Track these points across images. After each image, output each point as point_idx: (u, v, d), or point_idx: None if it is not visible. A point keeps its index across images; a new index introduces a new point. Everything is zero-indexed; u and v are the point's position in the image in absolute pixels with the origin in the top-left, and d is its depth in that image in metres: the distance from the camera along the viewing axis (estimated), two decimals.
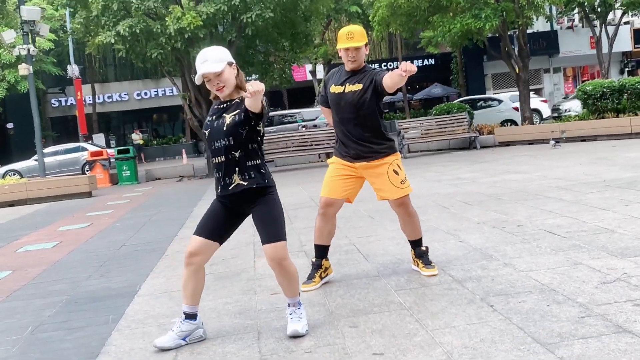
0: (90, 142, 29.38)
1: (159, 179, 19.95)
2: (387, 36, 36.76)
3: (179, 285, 4.90)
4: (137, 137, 32.89)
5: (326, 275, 4.57)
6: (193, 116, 18.32)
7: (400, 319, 3.62)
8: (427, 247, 4.66)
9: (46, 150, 24.82)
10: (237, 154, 3.44)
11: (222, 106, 3.52)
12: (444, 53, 36.39)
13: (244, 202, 3.51)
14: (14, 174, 25.40)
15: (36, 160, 25.69)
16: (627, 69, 37.22)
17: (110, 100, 37.46)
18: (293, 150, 17.56)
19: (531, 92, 22.14)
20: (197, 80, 3.49)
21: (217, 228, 3.54)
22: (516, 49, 19.95)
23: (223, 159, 3.45)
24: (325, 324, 3.66)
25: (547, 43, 35.11)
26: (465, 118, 17.63)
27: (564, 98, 32.12)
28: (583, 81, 36.67)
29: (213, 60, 3.39)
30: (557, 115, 25.41)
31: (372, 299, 4.07)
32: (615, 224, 5.50)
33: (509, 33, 20.13)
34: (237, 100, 3.48)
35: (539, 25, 32.88)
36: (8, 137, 34.65)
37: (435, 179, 10.77)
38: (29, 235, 8.96)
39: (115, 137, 37.30)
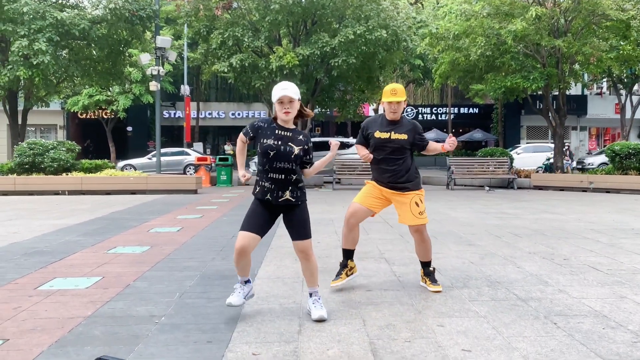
0: (191, 148, 30.25)
1: (248, 184, 20.33)
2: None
3: (289, 273, 5.18)
4: (228, 148, 33.57)
5: (351, 274, 4.67)
6: None
7: (478, 324, 3.69)
8: (434, 268, 4.67)
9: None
10: (294, 176, 3.72)
11: (286, 133, 3.70)
12: (487, 104, 36.02)
13: (285, 209, 3.78)
14: (130, 168, 26.40)
15: (149, 158, 26.80)
16: None
17: (210, 116, 38.52)
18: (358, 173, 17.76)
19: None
20: (274, 98, 3.65)
21: (260, 225, 3.82)
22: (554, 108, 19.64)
23: (282, 177, 3.70)
24: (416, 321, 3.75)
25: (577, 105, 34.38)
26: (507, 162, 17.43)
27: (588, 153, 31.31)
28: (605, 140, 35.68)
29: (292, 91, 3.66)
30: (581, 167, 24.78)
31: (452, 305, 4.15)
32: None
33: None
34: (295, 129, 3.76)
35: (572, 89, 32.23)
36: (127, 138, 36.08)
37: (482, 211, 10.70)
38: (155, 219, 9.35)
39: (210, 146, 38.37)
